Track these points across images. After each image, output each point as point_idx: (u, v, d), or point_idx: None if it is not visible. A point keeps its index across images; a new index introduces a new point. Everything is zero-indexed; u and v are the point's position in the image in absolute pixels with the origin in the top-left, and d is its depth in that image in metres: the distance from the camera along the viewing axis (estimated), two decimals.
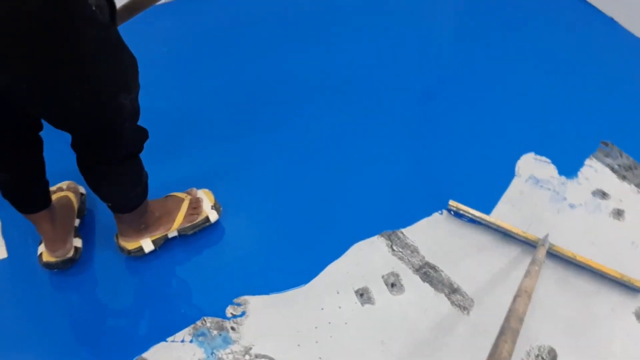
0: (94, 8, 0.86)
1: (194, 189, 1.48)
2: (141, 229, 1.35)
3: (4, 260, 1.40)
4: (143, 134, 1.17)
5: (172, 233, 1.41)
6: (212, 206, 1.46)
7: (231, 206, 1.52)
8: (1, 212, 1.48)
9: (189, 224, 1.42)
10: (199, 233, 1.45)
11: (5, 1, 0.76)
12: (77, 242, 1.39)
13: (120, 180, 1.20)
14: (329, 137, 1.72)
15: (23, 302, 1.34)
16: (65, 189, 1.45)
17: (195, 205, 1.43)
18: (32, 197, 1.27)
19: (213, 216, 1.45)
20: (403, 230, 1.47)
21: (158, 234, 1.39)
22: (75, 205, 1.43)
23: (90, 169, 1.16)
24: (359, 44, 2.04)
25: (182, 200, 1.43)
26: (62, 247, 1.34)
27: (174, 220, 1.39)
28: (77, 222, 1.43)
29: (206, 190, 1.49)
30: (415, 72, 1.94)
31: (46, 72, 0.87)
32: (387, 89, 1.87)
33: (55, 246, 1.33)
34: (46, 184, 1.28)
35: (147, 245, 1.37)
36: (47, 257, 1.34)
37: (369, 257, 1.42)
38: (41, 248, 1.36)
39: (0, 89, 0.90)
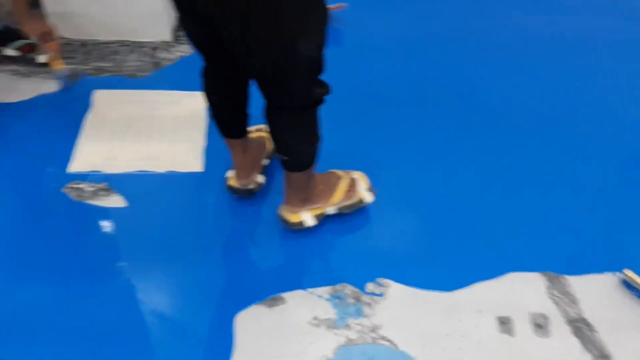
0: None
1: (352, 170, 1.52)
2: (305, 199, 1.42)
3: (199, 173, 1.59)
4: (322, 89, 1.19)
5: (331, 210, 1.47)
6: (366, 189, 1.50)
7: (395, 193, 1.56)
8: (211, 134, 1.69)
9: (346, 203, 1.47)
10: (355, 213, 1.50)
11: None
12: (260, 179, 1.53)
13: (296, 131, 1.27)
14: (518, 158, 1.68)
15: (199, 211, 1.52)
16: (264, 131, 1.60)
17: (352, 184, 1.49)
18: (232, 124, 1.41)
19: (368, 198, 1.49)
20: (568, 277, 1.38)
21: (318, 208, 1.45)
22: (268, 147, 1.57)
23: (269, 116, 1.25)
24: (581, 82, 1.95)
25: (341, 178, 1.49)
26: (246, 177, 1.48)
27: (333, 196, 1.46)
28: (266, 162, 1.57)
29: (361, 172, 1.53)
30: (631, 129, 1.79)
31: (235, 17, 0.97)
32: (596, 135, 1.76)
33: (241, 175, 1.48)
34: (246, 116, 1.41)
35: (308, 219, 1.44)
36: (232, 182, 1.50)
37: (522, 290, 1.36)
38: (230, 173, 1.52)
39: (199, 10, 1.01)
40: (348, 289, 1.36)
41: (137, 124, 1.70)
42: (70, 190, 1.52)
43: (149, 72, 1.89)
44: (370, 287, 1.37)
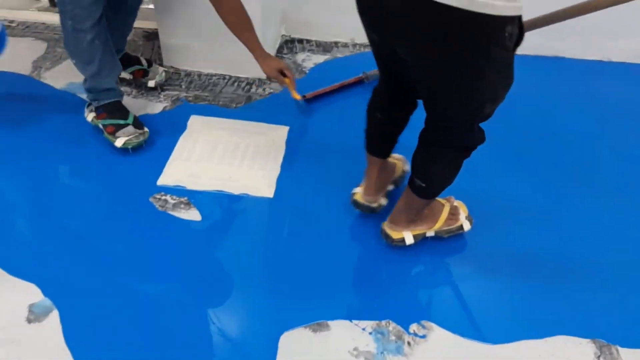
0: (506, 34, 1.05)
1: (452, 198, 1.61)
2: (411, 221, 1.53)
3: (269, 199, 1.71)
4: (481, 135, 1.33)
5: (430, 233, 1.56)
6: (465, 217, 1.58)
7: (461, 241, 1.60)
8: (285, 164, 1.82)
9: (446, 228, 1.56)
10: (409, 254, 1.56)
11: (450, 14, 1.01)
12: (383, 201, 1.65)
13: (446, 167, 1.39)
14: (591, 222, 1.65)
15: (264, 233, 1.63)
16: (397, 159, 1.72)
17: (454, 212, 1.58)
18: (383, 143, 1.57)
19: (466, 226, 1.58)
20: (620, 348, 1.34)
21: (420, 230, 1.55)
22: (397, 174, 1.70)
23: (429, 146, 1.38)
24: None
25: (443, 205, 1.58)
26: (374, 195, 1.61)
27: (436, 222, 1.55)
28: (391, 187, 1.69)
29: (460, 201, 1.62)
30: None
31: (448, 66, 1.12)
32: None
33: (369, 192, 1.61)
34: (396, 142, 1.57)
35: (409, 238, 1.54)
36: (357, 197, 1.63)
37: (569, 354, 1.33)
38: (357, 189, 1.65)
39: (408, 57, 1.18)
40: (392, 326, 1.40)
41: (222, 148, 1.86)
42: (156, 200, 1.69)
43: (241, 104, 2.07)
44: (414, 327, 1.40)
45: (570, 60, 2.30)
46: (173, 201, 1.69)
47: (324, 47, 2.36)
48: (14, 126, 1.92)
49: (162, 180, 1.75)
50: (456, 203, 1.61)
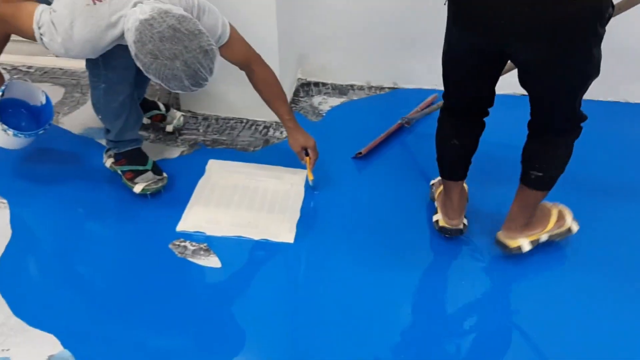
0: (607, 15, 1.20)
1: (557, 203, 1.64)
2: (525, 224, 1.56)
3: (289, 244, 1.69)
4: (584, 114, 1.41)
5: (544, 237, 1.60)
6: (572, 219, 1.62)
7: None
8: (304, 209, 1.80)
9: (558, 231, 1.61)
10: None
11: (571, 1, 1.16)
12: (466, 221, 1.69)
13: (561, 152, 1.45)
14: None
15: (284, 280, 1.61)
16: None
17: (561, 215, 1.62)
18: (460, 167, 1.62)
19: (575, 227, 1.61)
20: None
21: (534, 234, 1.58)
22: (467, 192, 1.71)
23: (540, 135, 1.45)
24: None
25: (551, 208, 1.63)
26: (458, 218, 1.65)
27: (547, 224, 1.59)
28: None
29: (563, 205, 1.65)
30: None
31: (566, 50, 1.24)
32: None
33: (453, 215, 1.64)
34: (469, 163, 1.62)
35: (526, 245, 1.57)
36: (443, 223, 1.66)
37: None
38: (437, 217, 1.69)
39: (525, 52, 1.28)
40: None
41: (241, 193, 1.85)
42: (175, 247, 1.67)
43: (258, 148, 2.07)
44: None
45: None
46: (193, 247, 1.67)
47: (339, 90, 2.37)
48: (32, 172, 1.91)
49: (181, 226, 1.73)
50: (561, 207, 1.64)
